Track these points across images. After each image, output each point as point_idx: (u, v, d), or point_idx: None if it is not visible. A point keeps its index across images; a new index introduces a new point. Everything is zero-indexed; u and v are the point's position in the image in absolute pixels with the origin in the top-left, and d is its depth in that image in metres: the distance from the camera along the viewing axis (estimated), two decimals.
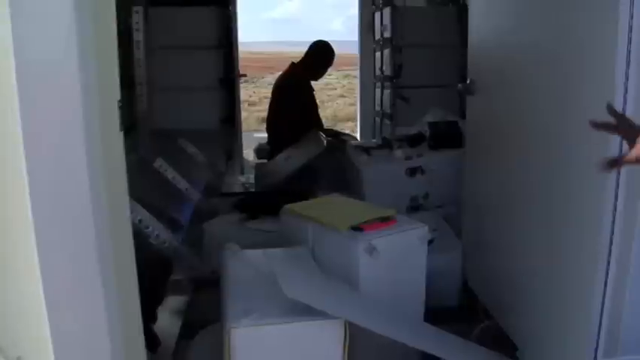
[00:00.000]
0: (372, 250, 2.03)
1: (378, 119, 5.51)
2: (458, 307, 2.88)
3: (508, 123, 2.36)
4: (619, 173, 1.61)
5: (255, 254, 2.12)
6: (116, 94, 1.31)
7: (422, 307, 2.26)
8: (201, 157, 4.41)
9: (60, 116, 1.09)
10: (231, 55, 5.02)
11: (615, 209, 1.63)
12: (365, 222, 2.13)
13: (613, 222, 1.64)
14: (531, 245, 2.17)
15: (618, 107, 1.55)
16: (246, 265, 2.04)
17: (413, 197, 3.43)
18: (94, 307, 1.29)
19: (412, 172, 3.39)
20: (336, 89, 20.49)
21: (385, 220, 2.19)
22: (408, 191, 3.41)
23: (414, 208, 3.41)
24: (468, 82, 2.77)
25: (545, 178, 2.01)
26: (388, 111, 5.08)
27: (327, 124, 6.14)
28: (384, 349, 2.06)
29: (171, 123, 4.59)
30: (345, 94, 18.93)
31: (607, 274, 1.69)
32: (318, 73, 4.70)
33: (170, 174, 3.76)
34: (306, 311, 1.67)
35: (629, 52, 1.54)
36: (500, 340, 2.47)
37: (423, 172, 3.41)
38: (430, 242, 3.02)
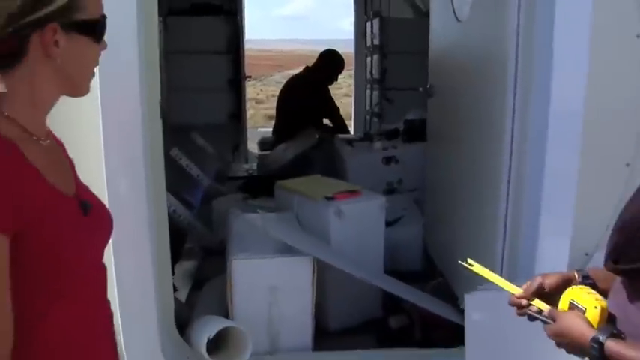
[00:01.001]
0: (339, 213, 2.69)
1: (368, 117, 6.17)
2: (420, 270, 3.53)
3: (451, 121, 3.01)
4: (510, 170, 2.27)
5: (253, 216, 2.78)
6: (157, 95, 1.98)
7: (381, 262, 2.91)
8: (210, 149, 5.06)
9: (127, 108, 1.75)
10: (239, 59, 5.68)
11: (509, 183, 2.29)
12: (336, 193, 2.79)
13: (507, 194, 2.30)
14: (461, 217, 2.83)
15: (508, 110, 2.21)
16: (245, 223, 2.71)
17: (389, 182, 4.05)
18: (144, 249, 1.94)
19: (388, 161, 4.02)
20: (342, 88, 20.94)
21: (352, 192, 2.84)
22: (385, 177, 4.04)
23: (390, 191, 4.03)
24: (428, 86, 3.41)
25: (466, 164, 2.68)
26: (376, 110, 5.74)
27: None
28: (352, 288, 2.72)
29: (185, 118, 5.22)
30: (350, 93, 19.32)
31: (505, 231, 2.35)
32: (331, 80, 5.39)
33: (184, 162, 4.40)
34: (287, 251, 2.33)
35: (516, 68, 2.19)
36: (448, 294, 3.12)
37: (397, 161, 4.04)
38: (399, 219, 3.70)
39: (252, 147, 6.60)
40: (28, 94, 1.08)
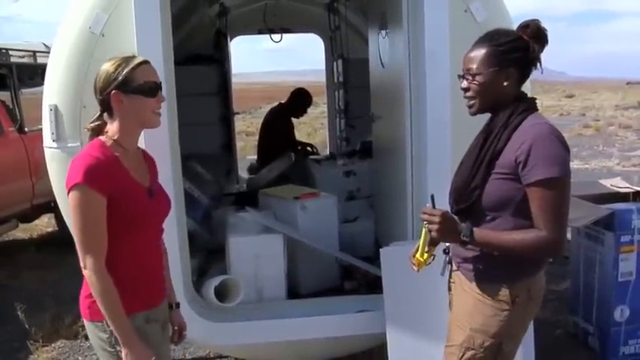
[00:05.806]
0: (304, 207, 3.79)
1: (338, 141, 7.31)
2: (373, 256, 4.59)
3: (383, 139, 4.14)
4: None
5: (244, 214, 3.86)
6: (176, 129, 3.09)
7: (336, 242, 3.99)
8: (206, 174, 6.13)
9: (160, 141, 2.85)
10: (227, 98, 6.79)
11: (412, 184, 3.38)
12: (301, 194, 3.89)
13: (412, 190, 3.39)
14: (396, 213, 3.92)
15: (407, 126, 3.31)
16: (237, 217, 3.80)
17: (349, 191, 5.13)
18: (173, 239, 2.99)
19: (347, 174, 5.11)
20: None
21: (312, 193, 3.95)
22: (346, 187, 5.11)
23: (351, 198, 5.12)
24: (371, 114, 4.54)
25: (388, 169, 3.78)
26: (344, 135, 6.88)
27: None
28: (316, 263, 3.80)
29: (185, 149, 6.26)
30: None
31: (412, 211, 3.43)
32: (299, 113, 6.63)
33: (186, 185, 5.45)
34: (265, 232, 3.42)
35: (410, 97, 3.30)
36: None
37: (355, 174, 5.13)
38: (357, 218, 4.79)
39: (243, 173, 7.68)
40: (121, 128, 2.10)
